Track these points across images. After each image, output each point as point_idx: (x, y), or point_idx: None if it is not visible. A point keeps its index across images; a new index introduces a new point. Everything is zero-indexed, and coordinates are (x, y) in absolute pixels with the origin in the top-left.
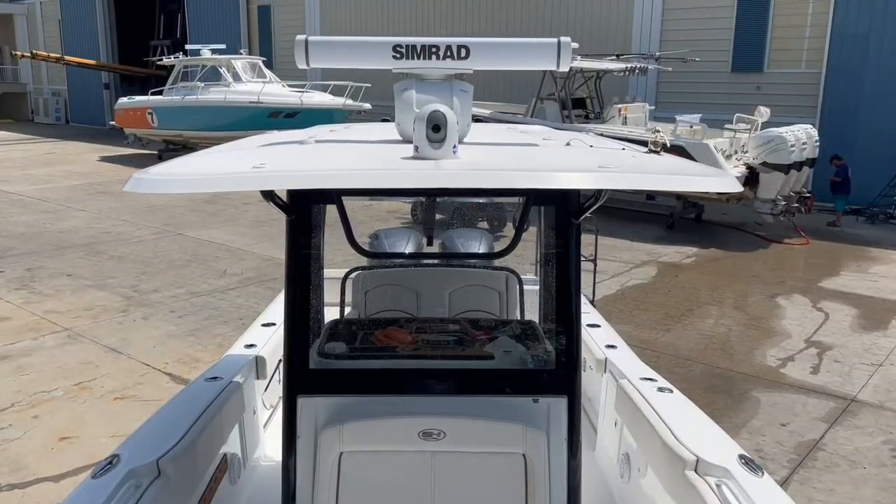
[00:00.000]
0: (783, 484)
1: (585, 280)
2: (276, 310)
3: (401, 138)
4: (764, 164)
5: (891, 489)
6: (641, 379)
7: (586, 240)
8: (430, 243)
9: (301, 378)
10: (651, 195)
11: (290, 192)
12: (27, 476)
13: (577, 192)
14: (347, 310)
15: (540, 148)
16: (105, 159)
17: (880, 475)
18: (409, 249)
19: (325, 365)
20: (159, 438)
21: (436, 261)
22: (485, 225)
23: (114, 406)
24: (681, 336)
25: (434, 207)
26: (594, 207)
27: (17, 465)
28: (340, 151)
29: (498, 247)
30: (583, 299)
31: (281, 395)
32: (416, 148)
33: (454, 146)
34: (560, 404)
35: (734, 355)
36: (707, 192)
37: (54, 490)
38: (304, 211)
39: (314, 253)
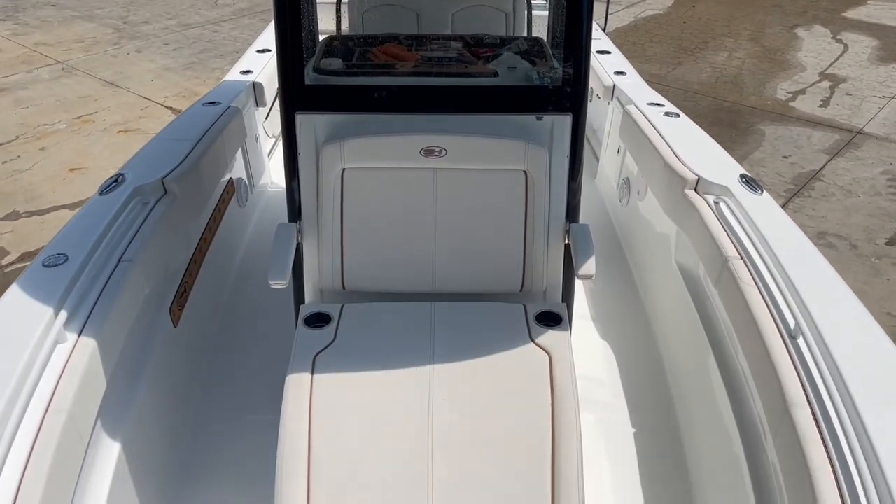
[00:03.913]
0: None
1: (598, 10)
2: (271, 37)
3: None
4: None
5: (880, 216)
6: (649, 104)
7: None
8: None
9: (297, 94)
10: None
11: None
12: (43, 204)
13: None
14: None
15: None
16: None
17: (873, 203)
18: None
19: (321, 81)
20: (162, 159)
21: None
22: None
23: (119, 138)
24: (692, 69)
25: None
26: None
27: (32, 195)
28: None
29: None
30: (594, 26)
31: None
32: None
33: None
34: (564, 122)
35: (744, 89)
36: None
37: (71, 217)
38: None
39: None
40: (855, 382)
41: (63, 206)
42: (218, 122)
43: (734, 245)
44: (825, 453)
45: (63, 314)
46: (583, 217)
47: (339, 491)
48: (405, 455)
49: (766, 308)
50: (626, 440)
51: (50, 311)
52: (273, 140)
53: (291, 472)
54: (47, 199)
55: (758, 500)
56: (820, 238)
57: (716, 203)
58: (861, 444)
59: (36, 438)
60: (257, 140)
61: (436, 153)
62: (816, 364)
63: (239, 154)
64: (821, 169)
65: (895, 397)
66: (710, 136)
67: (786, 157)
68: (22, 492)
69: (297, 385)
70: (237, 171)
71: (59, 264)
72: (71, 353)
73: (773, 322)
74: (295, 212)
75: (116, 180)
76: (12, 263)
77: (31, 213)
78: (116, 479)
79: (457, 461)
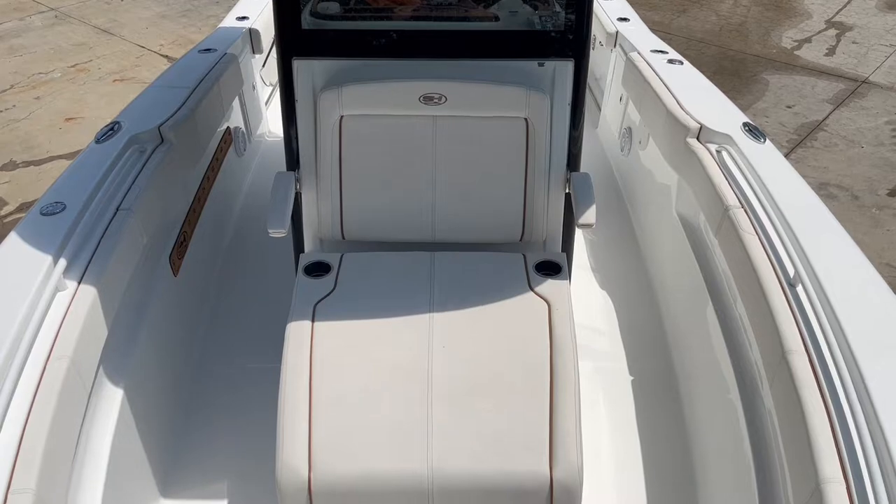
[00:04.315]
0: None
1: None
2: None
3: None
4: None
5: (883, 166)
6: (652, 51)
7: None
8: None
9: (294, 39)
10: None
11: None
12: (40, 154)
13: None
14: None
15: None
16: None
17: (876, 154)
18: None
19: (319, 25)
20: (158, 107)
21: None
22: None
23: (114, 87)
24: (696, 17)
25: None
26: None
27: (28, 144)
28: None
29: None
30: None
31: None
32: None
33: None
34: (566, 68)
35: (749, 37)
36: None
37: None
38: None
39: None
40: (852, 330)
41: (60, 157)
42: (214, 70)
43: (735, 194)
44: (821, 398)
45: (62, 262)
46: (584, 166)
47: (339, 436)
48: (405, 401)
49: (765, 256)
50: (624, 388)
51: (49, 259)
52: (270, 88)
53: (293, 419)
54: (44, 148)
55: (753, 443)
56: (822, 189)
57: (718, 152)
58: (857, 390)
59: (38, 385)
60: (254, 88)
61: (435, 100)
62: (815, 312)
63: (236, 102)
64: (824, 119)
65: (892, 345)
66: (714, 84)
67: (789, 106)
68: (26, 438)
69: (297, 333)
70: (235, 119)
71: (57, 212)
72: (71, 301)
73: (772, 270)
74: (293, 160)
75: (113, 128)
76: (10, 214)
77: (27, 163)
78: (119, 425)
79: (456, 407)
